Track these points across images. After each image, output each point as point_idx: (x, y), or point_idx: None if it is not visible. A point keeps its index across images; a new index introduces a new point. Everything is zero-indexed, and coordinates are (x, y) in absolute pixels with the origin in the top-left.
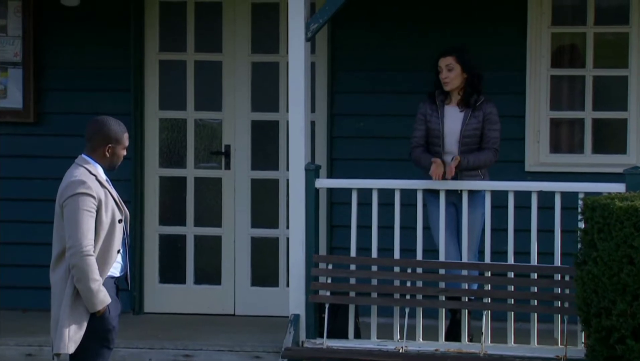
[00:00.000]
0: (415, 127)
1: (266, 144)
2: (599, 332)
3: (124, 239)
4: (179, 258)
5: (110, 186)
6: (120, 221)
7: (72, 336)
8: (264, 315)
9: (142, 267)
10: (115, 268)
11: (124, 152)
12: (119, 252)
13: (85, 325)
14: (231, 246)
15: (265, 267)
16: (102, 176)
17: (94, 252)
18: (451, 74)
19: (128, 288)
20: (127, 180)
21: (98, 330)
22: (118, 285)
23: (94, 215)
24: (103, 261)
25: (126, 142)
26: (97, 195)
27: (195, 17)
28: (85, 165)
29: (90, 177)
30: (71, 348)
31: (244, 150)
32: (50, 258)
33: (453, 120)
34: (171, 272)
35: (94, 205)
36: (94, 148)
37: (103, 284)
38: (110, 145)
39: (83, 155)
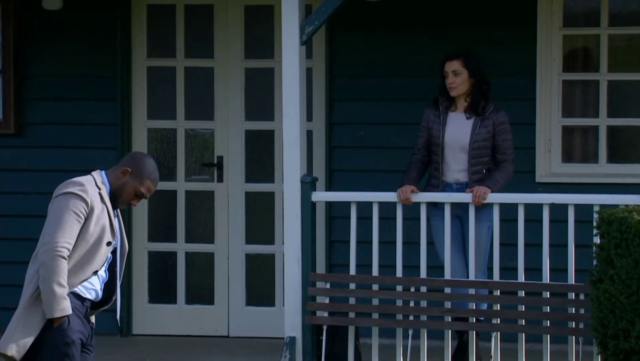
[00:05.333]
0: (419, 134)
1: (261, 155)
2: (617, 355)
3: (114, 270)
4: (169, 277)
5: (114, 211)
6: (109, 244)
7: (17, 339)
8: (259, 336)
9: (130, 286)
10: (88, 291)
11: (135, 200)
12: (95, 273)
13: (36, 331)
14: (224, 263)
15: (261, 285)
16: (107, 195)
17: (68, 257)
18: (457, 78)
19: (119, 321)
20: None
21: (55, 343)
22: (87, 309)
23: (82, 220)
24: (73, 274)
25: (143, 188)
26: (91, 201)
27: (185, 21)
28: (95, 176)
29: (94, 186)
30: (11, 350)
31: (237, 162)
32: None
33: (458, 128)
34: (161, 291)
35: (84, 210)
36: (115, 167)
37: (71, 300)
38: (129, 169)
39: (102, 170)
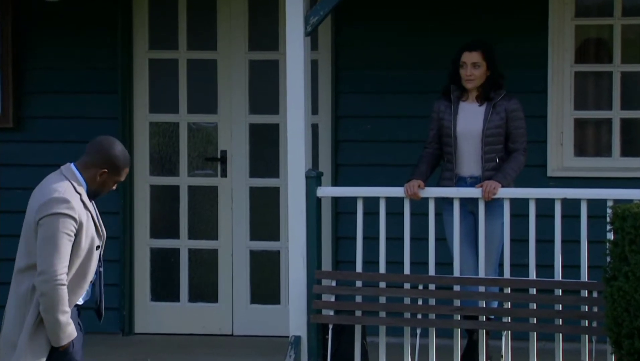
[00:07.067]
0: (429, 127)
1: (265, 149)
2: (632, 355)
3: (98, 266)
4: (172, 274)
5: (93, 207)
6: (97, 248)
7: None
8: (264, 335)
9: (132, 284)
10: (82, 297)
11: (114, 187)
12: (91, 282)
13: (43, 359)
14: (228, 260)
15: (266, 283)
16: (86, 196)
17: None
18: (477, 71)
19: (100, 320)
20: (115, 190)
21: None
22: (80, 310)
23: (73, 238)
24: (72, 291)
25: (122, 177)
26: (79, 217)
27: (188, 12)
28: (72, 180)
29: (75, 195)
30: None
31: (241, 156)
32: None
33: (470, 116)
34: (164, 289)
35: (74, 227)
36: (88, 165)
37: None
38: (105, 170)
39: (72, 166)
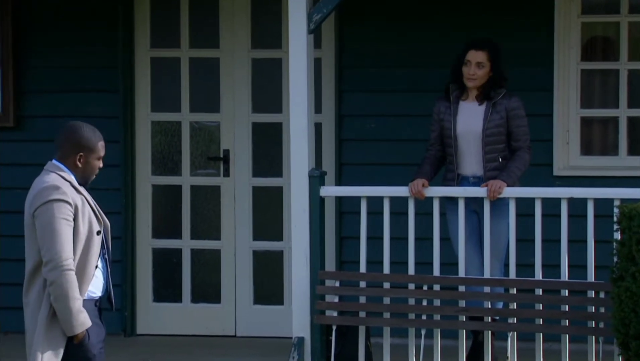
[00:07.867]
0: (431, 128)
1: (268, 148)
2: (639, 356)
3: (103, 254)
4: (174, 275)
5: (87, 194)
6: (98, 233)
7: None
8: (268, 336)
9: (134, 284)
10: (96, 287)
11: (100, 163)
12: (96, 267)
13: (61, 351)
14: (231, 261)
15: (269, 283)
16: (76, 183)
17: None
18: (480, 71)
19: (112, 309)
20: (116, 190)
21: (77, 359)
22: (100, 308)
23: (72, 224)
24: (79, 279)
25: (101, 152)
26: (73, 201)
27: (190, 9)
28: (58, 172)
29: (64, 182)
30: None
31: (244, 155)
32: None
33: (470, 116)
34: (166, 290)
35: (70, 212)
36: (64, 156)
37: (83, 306)
38: (81, 153)
39: (54, 161)
